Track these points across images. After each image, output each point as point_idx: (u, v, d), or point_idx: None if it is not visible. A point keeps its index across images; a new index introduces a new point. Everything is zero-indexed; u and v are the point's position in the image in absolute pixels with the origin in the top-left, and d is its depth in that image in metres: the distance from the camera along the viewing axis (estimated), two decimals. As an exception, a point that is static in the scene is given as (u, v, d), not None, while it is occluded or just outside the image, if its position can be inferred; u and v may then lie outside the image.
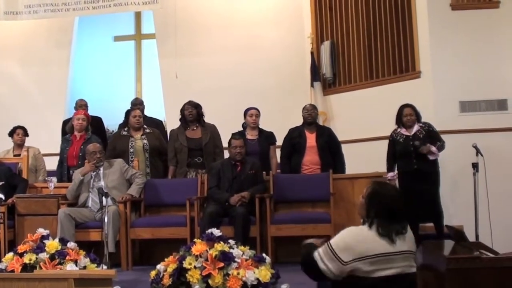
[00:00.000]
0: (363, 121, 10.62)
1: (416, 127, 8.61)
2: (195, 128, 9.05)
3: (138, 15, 13.86)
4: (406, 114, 8.65)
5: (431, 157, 8.42)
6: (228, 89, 11.78)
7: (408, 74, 10.35)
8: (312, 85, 11.49)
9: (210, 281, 5.03)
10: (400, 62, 10.49)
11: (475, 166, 8.36)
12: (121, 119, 10.58)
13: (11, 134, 9.72)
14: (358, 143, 10.50)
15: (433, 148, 8.37)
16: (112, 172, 8.47)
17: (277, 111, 11.03)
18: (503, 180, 9.28)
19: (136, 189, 8.42)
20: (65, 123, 10.29)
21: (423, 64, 10.14)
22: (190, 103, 9.12)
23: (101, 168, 8.46)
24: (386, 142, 8.87)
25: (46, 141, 10.32)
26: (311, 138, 9.02)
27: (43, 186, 8.80)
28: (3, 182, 8.51)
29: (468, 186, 8.51)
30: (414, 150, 8.45)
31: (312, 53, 11.65)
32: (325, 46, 11.44)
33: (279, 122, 9.77)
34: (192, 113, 9.04)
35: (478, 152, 8.55)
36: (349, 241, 4.18)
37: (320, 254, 4.22)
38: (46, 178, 8.96)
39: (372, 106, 10.63)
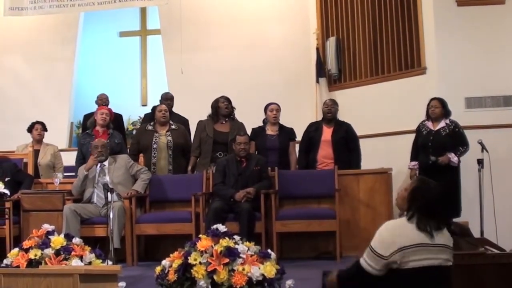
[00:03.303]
0: (368, 117, 10.60)
1: (442, 123, 8.64)
2: (224, 122, 9.04)
3: (143, 11, 13.89)
4: (431, 106, 8.71)
5: (452, 165, 8.43)
6: (233, 85, 11.75)
7: (414, 70, 10.32)
8: (317, 81, 11.48)
9: (215, 277, 5.03)
10: (405, 58, 10.46)
11: (480, 162, 8.36)
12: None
13: (29, 129, 9.74)
14: (363, 139, 10.44)
15: (454, 159, 8.40)
16: (117, 167, 8.48)
17: (282, 107, 10.99)
18: (508, 176, 9.28)
19: (141, 185, 8.43)
20: (86, 117, 10.30)
21: (429, 60, 10.12)
22: (224, 97, 9.13)
23: (106, 164, 8.47)
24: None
25: (52, 137, 10.31)
26: (327, 133, 9.00)
27: (48, 182, 8.82)
28: (8, 178, 8.53)
29: (474, 182, 8.52)
30: (432, 146, 8.46)
31: (317, 49, 11.63)
32: (331, 42, 11.42)
33: (284, 119, 9.74)
34: (228, 107, 9.06)
35: (483, 148, 8.55)
36: (386, 236, 4.23)
37: (366, 261, 4.27)
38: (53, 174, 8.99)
39: (377, 102, 10.62)
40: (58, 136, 10.51)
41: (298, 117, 9.52)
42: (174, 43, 12.20)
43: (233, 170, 8.22)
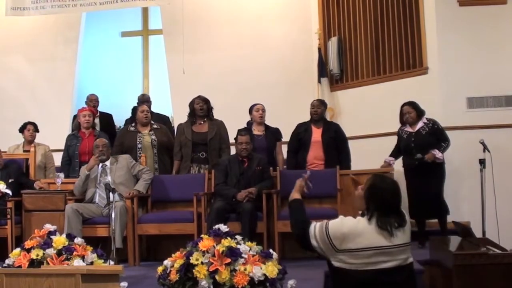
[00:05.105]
0: (370, 117, 10.62)
1: (420, 124, 8.64)
2: (202, 123, 9.04)
3: (145, 11, 13.87)
4: (405, 112, 8.71)
5: (437, 161, 8.43)
6: (235, 85, 11.80)
7: (416, 70, 10.33)
8: (319, 81, 11.49)
9: (217, 277, 5.02)
10: (407, 58, 10.47)
11: (482, 162, 8.35)
12: (128, 114, 10.61)
13: (21, 129, 9.76)
14: (365, 139, 10.50)
15: (439, 155, 8.39)
16: (119, 167, 8.49)
17: (284, 107, 11.04)
18: (510, 176, 9.27)
19: (143, 185, 8.43)
20: (75, 118, 10.33)
21: (431, 60, 10.12)
22: (201, 97, 9.12)
23: (108, 164, 8.48)
24: (393, 138, 8.92)
25: (54, 137, 10.34)
26: (316, 133, 9.04)
27: (50, 182, 8.81)
28: (12, 180, 8.55)
29: (475, 182, 8.50)
30: (415, 147, 8.46)
31: (319, 49, 11.64)
32: (333, 42, 11.43)
33: (286, 118, 9.78)
34: (202, 107, 9.04)
35: (485, 148, 8.54)
36: (347, 232, 4.29)
37: (315, 232, 4.38)
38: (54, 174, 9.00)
39: (379, 102, 10.62)
40: (59, 136, 10.47)
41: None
42: (176, 43, 12.20)
43: (235, 170, 8.23)
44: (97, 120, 10.22)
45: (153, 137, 9.10)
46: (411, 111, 8.67)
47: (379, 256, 4.21)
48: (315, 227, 4.41)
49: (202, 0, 12.45)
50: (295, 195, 4.84)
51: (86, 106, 10.17)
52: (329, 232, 4.31)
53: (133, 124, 9.30)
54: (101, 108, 10.70)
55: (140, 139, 9.07)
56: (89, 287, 4.30)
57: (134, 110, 9.70)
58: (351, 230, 4.27)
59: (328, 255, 4.34)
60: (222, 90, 11.46)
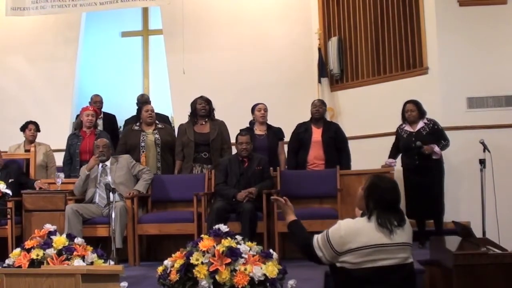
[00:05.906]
0: (370, 117, 10.61)
1: (420, 124, 8.63)
2: (203, 123, 9.05)
3: (145, 11, 13.88)
4: (408, 110, 8.69)
5: (434, 157, 8.43)
6: (235, 85, 11.79)
7: (416, 70, 10.32)
8: (319, 81, 11.48)
9: (217, 277, 5.02)
10: (407, 58, 10.46)
11: (482, 162, 8.34)
12: (128, 114, 10.60)
13: (23, 129, 9.75)
14: (365, 139, 10.49)
15: (436, 149, 8.39)
16: (119, 167, 8.49)
17: (284, 107, 11.02)
18: (510, 176, 9.27)
19: (143, 185, 8.43)
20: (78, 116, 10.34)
21: (431, 60, 10.12)
22: (203, 98, 9.13)
23: (108, 164, 8.48)
24: (393, 138, 8.90)
25: (54, 137, 10.33)
26: (316, 133, 9.05)
27: (50, 182, 8.80)
28: (12, 180, 8.55)
29: (475, 182, 8.50)
30: (415, 147, 8.46)
31: (319, 49, 11.63)
32: (333, 42, 11.42)
33: (286, 118, 9.77)
34: (205, 108, 9.05)
35: (485, 148, 8.53)
36: (344, 234, 4.36)
37: (318, 242, 4.48)
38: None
39: (379, 102, 10.62)
40: (60, 136, 10.48)
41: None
42: (176, 43, 12.19)
43: (235, 170, 8.23)
44: (100, 121, 10.23)
45: (157, 136, 9.11)
46: (414, 109, 8.66)
47: (378, 254, 4.25)
48: (318, 238, 4.52)
49: (202, 0, 12.45)
50: (290, 217, 4.96)
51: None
52: (330, 238, 4.40)
53: (137, 123, 9.31)
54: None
55: (143, 138, 9.08)
56: (89, 287, 4.30)
57: (139, 110, 9.70)
58: (349, 231, 4.35)
59: (333, 262, 4.40)
60: (222, 90, 11.45)
